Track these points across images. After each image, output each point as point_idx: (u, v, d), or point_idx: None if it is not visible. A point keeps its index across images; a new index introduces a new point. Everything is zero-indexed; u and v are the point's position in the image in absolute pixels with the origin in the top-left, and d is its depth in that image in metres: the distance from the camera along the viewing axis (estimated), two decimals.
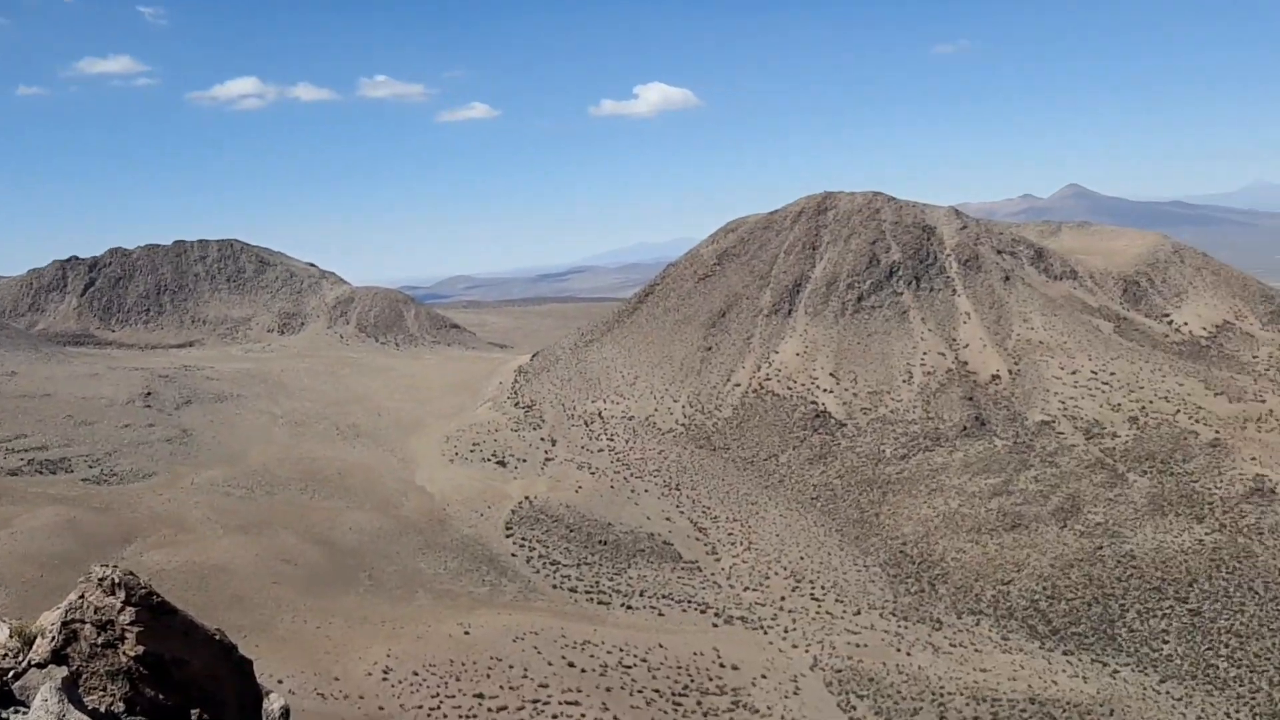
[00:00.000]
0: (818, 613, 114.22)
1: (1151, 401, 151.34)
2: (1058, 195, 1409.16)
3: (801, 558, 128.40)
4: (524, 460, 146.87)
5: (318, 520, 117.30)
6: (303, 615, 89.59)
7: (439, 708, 74.69)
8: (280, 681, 72.26)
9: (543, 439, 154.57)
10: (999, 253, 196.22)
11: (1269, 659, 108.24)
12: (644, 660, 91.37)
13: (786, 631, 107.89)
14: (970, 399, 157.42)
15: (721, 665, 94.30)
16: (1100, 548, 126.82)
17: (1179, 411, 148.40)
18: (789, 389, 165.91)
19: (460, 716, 73.96)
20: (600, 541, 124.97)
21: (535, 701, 78.78)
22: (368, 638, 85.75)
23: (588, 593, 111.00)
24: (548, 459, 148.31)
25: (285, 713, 17.06)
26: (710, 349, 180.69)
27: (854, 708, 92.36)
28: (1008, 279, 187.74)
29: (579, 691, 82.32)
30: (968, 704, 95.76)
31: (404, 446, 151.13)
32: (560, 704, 79.39)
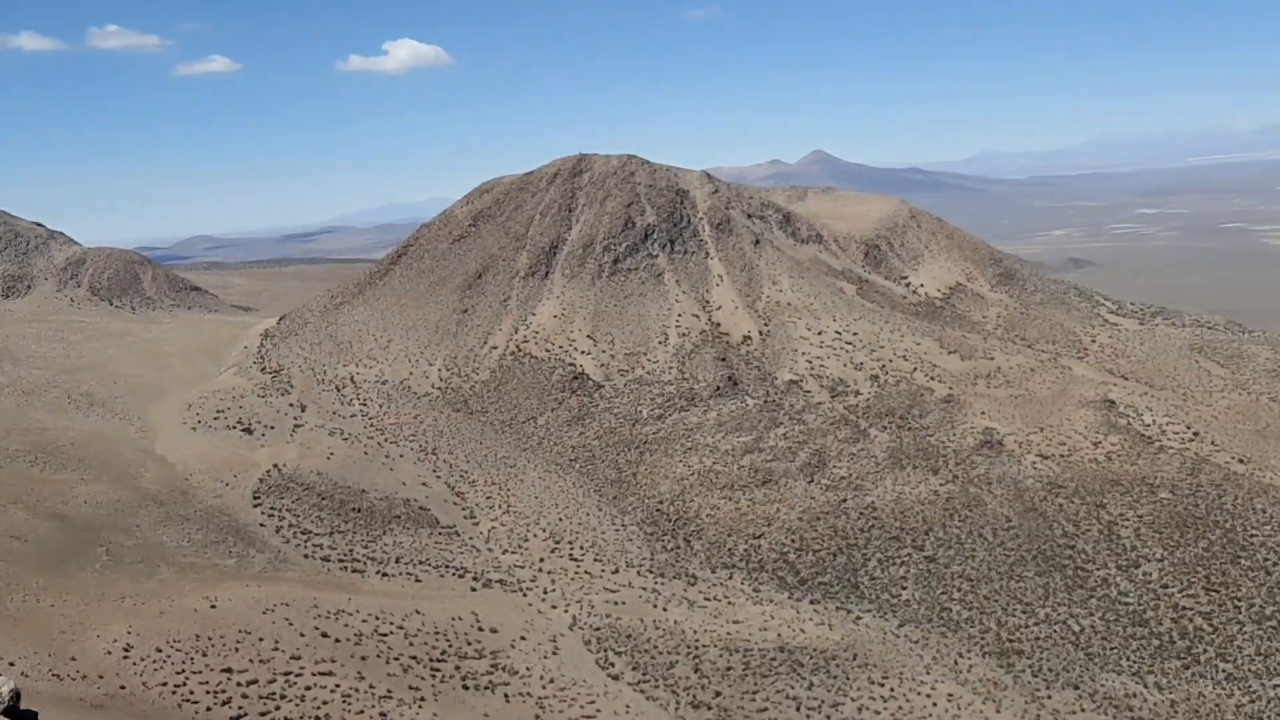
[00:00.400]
0: (576, 573, 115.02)
1: (891, 360, 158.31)
2: (804, 161, 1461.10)
3: (560, 519, 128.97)
4: (272, 427, 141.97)
5: (49, 494, 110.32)
6: (35, 594, 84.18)
7: (185, 684, 71.49)
8: (11, 664, 67.70)
9: (291, 405, 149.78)
10: (749, 217, 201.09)
11: (996, 601, 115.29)
12: (400, 627, 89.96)
13: (546, 592, 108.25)
14: (723, 359, 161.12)
15: (480, 629, 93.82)
16: (844, 500, 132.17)
17: (916, 370, 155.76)
18: (547, 351, 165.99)
19: (207, 692, 70.99)
20: (354, 509, 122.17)
21: (287, 674, 76.44)
22: (106, 615, 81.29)
23: (341, 561, 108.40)
24: (297, 425, 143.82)
25: (16, 696, 15.72)
26: (466, 311, 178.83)
27: (612, 664, 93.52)
28: (758, 242, 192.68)
29: (333, 662, 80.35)
30: (721, 655, 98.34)
31: (143, 415, 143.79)
32: (314, 675, 77.30)
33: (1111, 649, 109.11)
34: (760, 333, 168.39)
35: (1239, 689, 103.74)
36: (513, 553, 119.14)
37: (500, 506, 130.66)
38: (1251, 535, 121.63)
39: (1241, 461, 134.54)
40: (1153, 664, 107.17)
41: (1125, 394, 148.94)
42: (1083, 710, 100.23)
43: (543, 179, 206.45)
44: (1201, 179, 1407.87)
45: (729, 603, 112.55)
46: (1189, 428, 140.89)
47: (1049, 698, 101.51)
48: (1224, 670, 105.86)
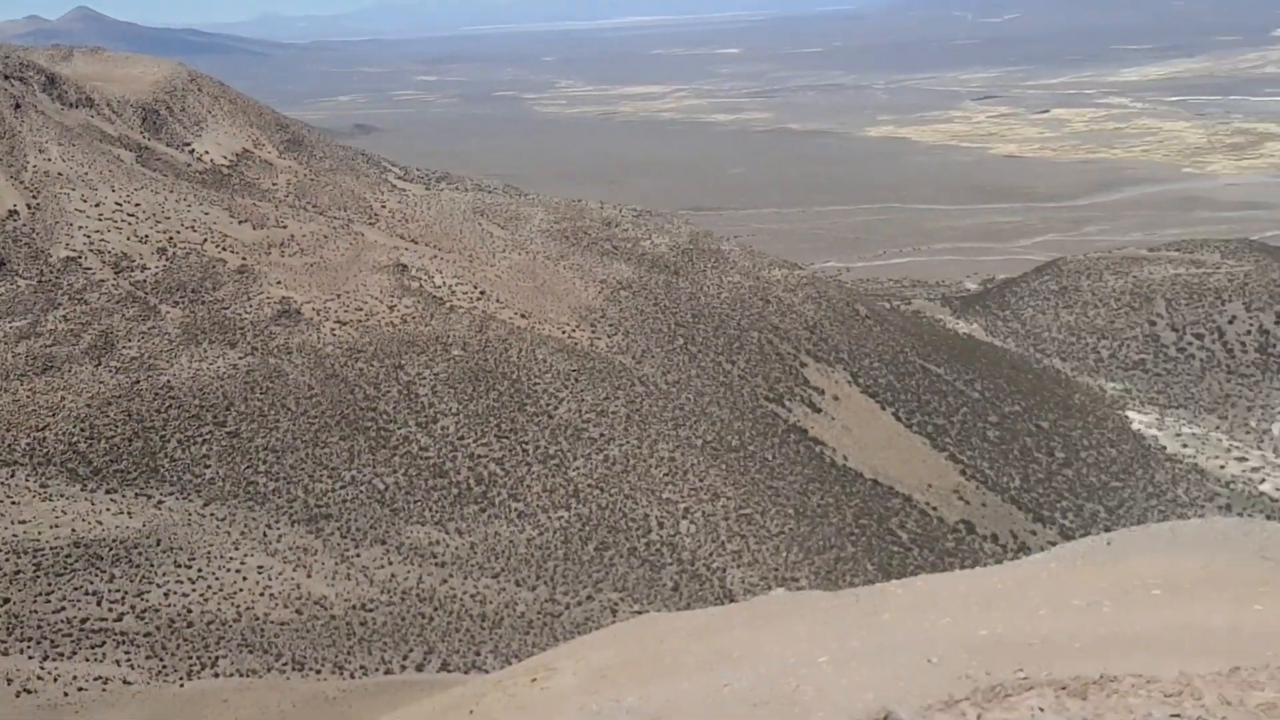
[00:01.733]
0: None
1: (179, 232, 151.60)
2: (67, 18, 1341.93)
3: None
4: None
5: None
6: None
7: None
8: None
9: None
10: (7, 78, 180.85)
11: (303, 469, 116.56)
12: None
13: None
14: None
15: None
16: (137, 382, 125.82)
17: (206, 241, 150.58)
18: None
19: None
20: None
21: None
22: None
23: None
24: None
25: None
26: None
27: None
28: (19, 107, 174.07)
29: None
30: (8, 559, 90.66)
31: None
32: None
33: (415, 502, 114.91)
34: (29, 206, 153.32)
35: (529, 524, 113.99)
36: None
37: None
38: (535, 383, 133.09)
39: (524, 316, 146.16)
40: (453, 511, 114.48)
41: (416, 258, 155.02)
42: (390, 563, 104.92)
43: None
44: (475, 48, 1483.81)
45: (13, 502, 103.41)
46: (476, 287, 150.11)
47: (358, 556, 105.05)
48: (515, 509, 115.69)
